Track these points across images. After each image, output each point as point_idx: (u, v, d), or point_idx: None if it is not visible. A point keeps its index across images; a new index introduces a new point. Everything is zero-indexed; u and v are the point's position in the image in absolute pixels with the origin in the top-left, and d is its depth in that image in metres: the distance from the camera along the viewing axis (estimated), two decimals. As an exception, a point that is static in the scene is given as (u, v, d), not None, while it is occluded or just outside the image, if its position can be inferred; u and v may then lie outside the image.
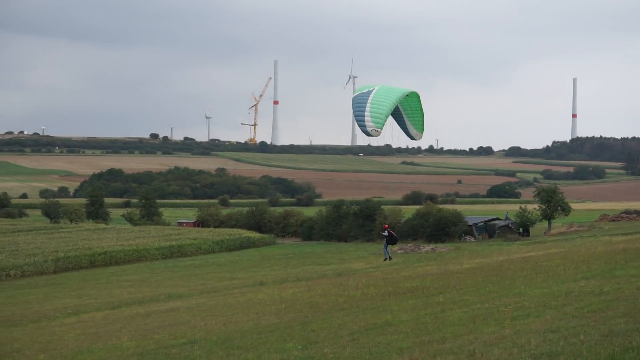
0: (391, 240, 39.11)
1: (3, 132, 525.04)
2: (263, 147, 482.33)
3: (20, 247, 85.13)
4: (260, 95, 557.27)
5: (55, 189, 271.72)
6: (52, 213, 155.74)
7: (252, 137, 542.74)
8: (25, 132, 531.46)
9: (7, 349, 28.81)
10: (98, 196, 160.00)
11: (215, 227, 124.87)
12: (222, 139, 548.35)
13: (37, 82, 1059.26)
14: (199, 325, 28.04)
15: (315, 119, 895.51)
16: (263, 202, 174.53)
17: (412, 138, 38.00)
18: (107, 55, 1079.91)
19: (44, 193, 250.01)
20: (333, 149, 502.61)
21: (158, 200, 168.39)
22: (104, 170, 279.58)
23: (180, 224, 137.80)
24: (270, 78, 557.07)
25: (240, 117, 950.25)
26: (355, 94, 35.43)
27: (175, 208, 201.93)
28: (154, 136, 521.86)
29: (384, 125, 34.19)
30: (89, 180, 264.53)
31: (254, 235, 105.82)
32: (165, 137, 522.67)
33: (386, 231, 38.85)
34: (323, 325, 23.59)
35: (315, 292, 35.58)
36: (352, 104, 34.88)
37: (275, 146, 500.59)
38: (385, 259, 39.19)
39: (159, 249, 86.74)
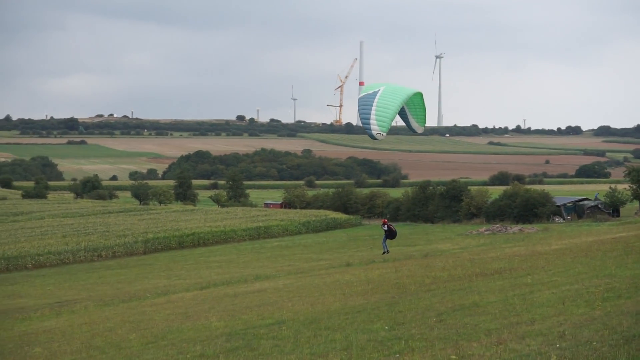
0: (390, 235, 39.23)
1: (93, 115, 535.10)
2: (349, 128, 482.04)
3: (110, 229, 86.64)
4: (346, 77, 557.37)
5: (144, 171, 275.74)
6: (142, 195, 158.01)
7: (338, 119, 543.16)
8: (115, 115, 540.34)
9: (100, 328, 29.40)
10: (186, 178, 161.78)
11: (301, 208, 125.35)
12: (308, 120, 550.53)
13: (127, 66, 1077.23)
14: (286, 306, 28.21)
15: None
16: (349, 184, 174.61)
17: (414, 132, 37.95)
18: (195, 38, 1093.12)
19: (133, 175, 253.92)
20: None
21: (245, 182, 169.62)
22: (192, 152, 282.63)
23: (266, 205, 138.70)
24: (356, 59, 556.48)
25: (326, 99, 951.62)
26: (361, 94, 35.18)
27: (261, 189, 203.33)
28: (241, 118, 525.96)
29: (389, 128, 34.04)
30: (176, 162, 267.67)
31: (340, 216, 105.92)
32: (252, 119, 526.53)
33: (385, 226, 39.01)
34: (410, 306, 23.53)
35: (402, 273, 35.51)
36: (358, 105, 34.73)
37: (361, 127, 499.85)
38: (384, 253, 39.15)
39: (246, 230, 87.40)
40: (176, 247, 78.56)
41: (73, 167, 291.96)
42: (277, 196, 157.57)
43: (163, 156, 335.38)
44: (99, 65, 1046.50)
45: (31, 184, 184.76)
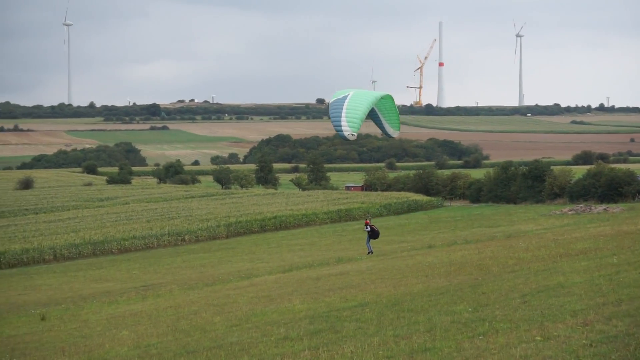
0: (373, 235, 39.38)
1: (175, 101, 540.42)
2: (429, 110, 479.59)
3: (193, 213, 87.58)
4: (425, 57, 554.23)
5: (226, 155, 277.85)
6: (223, 179, 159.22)
7: (418, 100, 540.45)
8: (196, 100, 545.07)
9: (185, 311, 29.78)
10: (267, 162, 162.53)
11: (382, 190, 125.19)
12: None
13: (207, 51, 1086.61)
14: (368, 288, 28.23)
15: (481, 80, 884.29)
16: (430, 165, 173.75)
17: (389, 136, 38.75)
18: (275, 22, 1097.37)
19: (214, 159, 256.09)
20: (500, 109, 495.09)
21: (325, 165, 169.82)
22: (272, 136, 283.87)
23: (347, 188, 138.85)
24: (435, 40, 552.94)
25: (406, 80, 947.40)
26: (332, 100, 36.03)
27: (342, 172, 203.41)
28: (320, 101, 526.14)
29: (359, 128, 34.92)
30: (257, 146, 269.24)
31: (422, 198, 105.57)
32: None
33: (368, 226, 39.15)
34: (493, 287, 23.37)
35: (485, 254, 35.26)
36: (329, 110, 35.78)
37: (441, 108, 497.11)
38: (369, 253, 39.30)
39: (328, 213, 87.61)
40: (258, 231, 79.13)
41: (156, 152, 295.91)
42: (358, 179, 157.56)
43: (244, 140, 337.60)
44: (180, 51, 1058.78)
45: (115, 169, 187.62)
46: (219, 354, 19.60)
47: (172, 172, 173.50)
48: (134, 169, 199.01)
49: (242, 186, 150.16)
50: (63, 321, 32.18)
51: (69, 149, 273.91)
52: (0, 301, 43.93)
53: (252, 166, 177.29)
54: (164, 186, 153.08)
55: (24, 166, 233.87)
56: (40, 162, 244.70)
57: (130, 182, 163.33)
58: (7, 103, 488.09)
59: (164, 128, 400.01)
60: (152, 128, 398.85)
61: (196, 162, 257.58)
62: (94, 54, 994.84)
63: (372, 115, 39.28)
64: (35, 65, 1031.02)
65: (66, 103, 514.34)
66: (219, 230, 76.87)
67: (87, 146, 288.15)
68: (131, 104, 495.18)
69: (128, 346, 22.78)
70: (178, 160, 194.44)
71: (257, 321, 24.11)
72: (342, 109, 34.65)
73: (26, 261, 64.51)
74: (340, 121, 34.25)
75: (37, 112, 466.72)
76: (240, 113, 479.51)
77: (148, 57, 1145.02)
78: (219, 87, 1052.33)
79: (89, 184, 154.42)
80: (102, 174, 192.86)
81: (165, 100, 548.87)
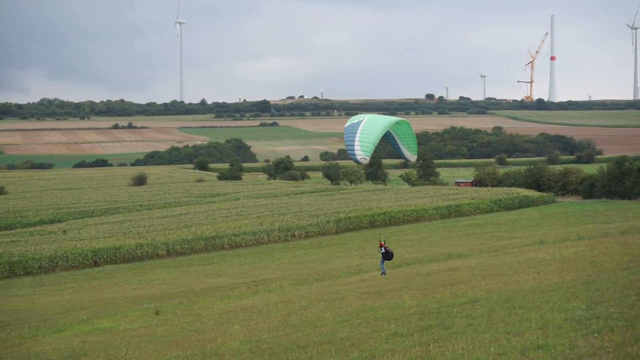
0: (387, 257, 38.98)
1: (285, 97, 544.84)
2: (540, 104, 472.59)
3: (303, 209, 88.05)
4: (537, 52, 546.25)
5: (335, 151, 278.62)
6: (333, 175, 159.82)
7: (529, 94, 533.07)
8: (306, 97, 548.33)
9: (295, 306, 29.98)
10: (376, 157, 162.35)
11: (492, 186, 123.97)
12: (497, 97, 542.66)
13: (317, 47, 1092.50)
14: (479, 285, 27.99)
15: (594, 74, 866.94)
16: (541, 160, 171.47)
17: (407, 160, 39.30)
18: (385, 18, 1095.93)
19: (324, 155, 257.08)
20: (614, 103, 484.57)
21: (435, 161, 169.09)
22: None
23: (457, 183, 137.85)
24: (547, 33, 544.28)
25: (516, 75, 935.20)
26: (347, 124, 36.91)
27: (452, 168, 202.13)
28: (430, 97, 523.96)
29: (372, 153, 35.91)
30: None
31: (533, 193, 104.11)
32: (441, 97, 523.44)
33: (382, 248, 38.71)
34: (608, 284, 22.90)
35: (598, 250, 34.58)
36: (344, 134, 36.74)
37: (552, 103, 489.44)
38: (382, 274, 38.97)
39: (437, 208, 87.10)
40: (368, 227, 79.13)
41: (266, 148, 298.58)
42: (468, 174, 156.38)
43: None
44: (291, 48, 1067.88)
45: (226, 166, 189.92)
46: (330, 349, 19.68)
47: (281, 168, 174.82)
48: (245, 165, 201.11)
49: (351, 182, 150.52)
50: (176, 315, 32.75)
51: (181, 145, 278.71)
52: (115, 295, 44.96)
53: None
54: (274, 182, 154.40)
55: (137, 163, 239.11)
56: (153, 158, 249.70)
57: (240, 178, 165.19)
58: (122, 101, 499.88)
59: (274, 124, 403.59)
60: (262, 124, 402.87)
61: (305, 158, 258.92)
62: (206, 52, 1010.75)
63: (389, 139, 40.95)
64: (149, 63, 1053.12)
65: (178, 100, 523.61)
66: (329, 226, 77.14)
67: (199, 143, 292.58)
68: (242, 100, 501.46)
69: (240, 341, 23.04)
70: (288, 157, 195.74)
71: (367, 317, 24.12)
72: (355, 133, 35.77)
73: (140, 256, 65.85)
74: (353, 146, 35.57)
75: (151, 110, 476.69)
76: (349, 109, 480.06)
77: (259, 54, 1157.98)
78: (328, 83, 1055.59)
79: (201, 180, 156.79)
80: (213, 170, 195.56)
81: (275, 96, 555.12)
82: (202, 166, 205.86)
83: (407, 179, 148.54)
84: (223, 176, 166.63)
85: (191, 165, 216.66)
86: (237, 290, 40.90)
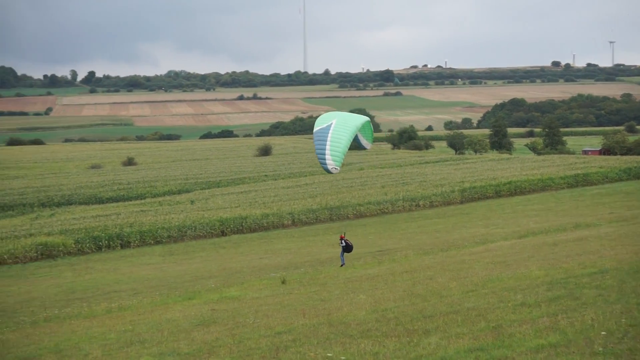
0: (347, 249, 38.52)
1: (408, 67, 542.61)
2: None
3: (427, 178, 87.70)
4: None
5: (459, 120, 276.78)
6: (457, 144, 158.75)
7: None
8: (429, 66, 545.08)
9: (420, 276, 29.97)
10: (501, 126, 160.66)
11: (621, 154, 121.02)
12: (627, 63, 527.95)
13: (441, 16, 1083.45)
14: (608, 255, 27.43)
15: None
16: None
17: (363, 148, 39.58)
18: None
19: (448, 125, 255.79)
20: None
21: (561, 129, 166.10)
22: (506, 101, 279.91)
23: (585, 152, 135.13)
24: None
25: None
26: (316, 128, 36.33)
27: (579, 136, 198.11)
28: (556, 64, 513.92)
29: (342, 161, 35.46)
30: (491, 110, 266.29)
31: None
32: (567, 65, 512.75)
33: (342, 241, 38.19)
34: None
35: None
36: (314, 139, 36.12)
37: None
38: (342, 265, 38.43)
39: (564, 178, 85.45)
40: (493, 196, 78.29)
41: (389, 118, 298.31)
42: (596, 143, 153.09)
43: (477, 105, 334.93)
44: (414, 17, 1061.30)
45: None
46: (456, 319, 19.64)
47: (405, 138, 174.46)
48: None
49: (475, 151, 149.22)
50: (302, 284, 33.13)
51: (305, 115, 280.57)
52: (242, 264, 45.74)
53: (486, 131, 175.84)
54: (398, 152, 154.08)
55: (262, 133, 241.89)
56: (277, 129, 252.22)
57: (364, 148, 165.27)
58: (247, 72, 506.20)
59: (397, 94, 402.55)
60: (385, 94, 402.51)
61: (429, 128, 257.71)
62: (329, 22, 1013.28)
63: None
64: (273, 34, 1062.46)
65: (302, 71, 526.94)
66: (453, 196, 76.62)
67: (323, 113, 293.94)
68: (365, 70, 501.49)
69: (366, 310, 23.18)
70: (411, 126, 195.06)
71: (493, 287, 23.96)
72: (326, 141, 35.38)
73: (266, 226, 66.69)
74: (324, 155, 35.20)
75: (275, 81, 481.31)
76: (474, 77, 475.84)
77: (383, 24, 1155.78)
78: (452, 51, 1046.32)
79: (364, 148, 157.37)
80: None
81: (398, 66, 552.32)
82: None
83: (533, 148, 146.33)
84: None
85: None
86: (362, 259, 41.12)
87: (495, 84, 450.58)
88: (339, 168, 35.36)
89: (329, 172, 35.54)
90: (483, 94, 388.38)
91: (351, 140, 35.98)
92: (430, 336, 18.32)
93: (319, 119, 37.43)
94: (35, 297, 40.29)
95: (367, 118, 38.43)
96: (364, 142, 38.62)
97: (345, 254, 39.53)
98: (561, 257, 28.92)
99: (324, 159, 35.03)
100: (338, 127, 35.64)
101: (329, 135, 35.26)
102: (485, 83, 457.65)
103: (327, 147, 34.98)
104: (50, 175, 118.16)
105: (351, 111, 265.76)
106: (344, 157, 35.45)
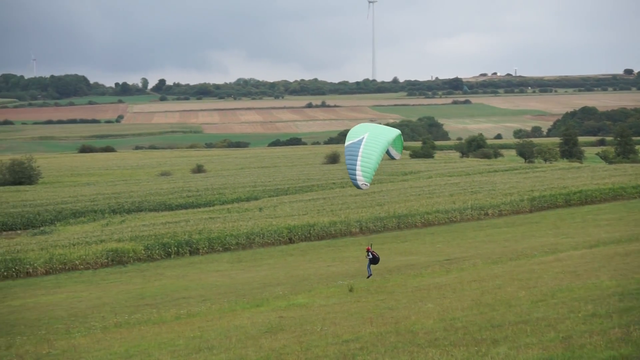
0: (373, 261, 37.92)
1: (477, 74, 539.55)
2: None
3: (497, 187, 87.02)
4: None
5: (529, 128, 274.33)
6: (526, 153, 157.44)
7: None
8: (499, 74, 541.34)
9: (488, 285, 29.72)
10: (572, 135, 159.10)
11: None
12: None
13: (511, 24, 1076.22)
14: (684, 266, 26.96)
15: None
16: None
17: (392, 158, 39.78)
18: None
19: (517, 133, 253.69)
20: None
21: (633, 138, 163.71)
22: (577, 109, 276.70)
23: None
24: None
25: None
26: (347, 142, 36.20)
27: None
28: (628, 72, 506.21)
29: (372, 177, 35.38)
30: (561, 119, 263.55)
31: None
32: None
33: (369, 253, 37.51)
34: None
35: None
36: (345, 153, 35.96)
37: None
38: (368, 276, 37.80)
39: (636, 187, 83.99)
40: (563, 205, 77.38)
41: (458, 126, 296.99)
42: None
43: (547, 113, 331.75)
44: (485, 24, 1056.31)
45: (418, 144, 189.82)
46: (525, 329, 19.46)
47: (474, 146, 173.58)
48: (437, 143, 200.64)
49: (545, 160, 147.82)
50: (370, 292, 33.09)
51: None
52: (310, 272, 45.85)
53: (556, 139, 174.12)
54: (467, 160, 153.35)
55: (330, 141, 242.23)
56: (345, 137, 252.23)
57: (433, 156, 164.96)
58: (315, 80, 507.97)
59: (466, 102, 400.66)
60: (454, 102, 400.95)
61: (499, 136, 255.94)
62: (398, 30, 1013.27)
63: None
64: (341, 42, 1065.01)
65: (370, 79, 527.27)
66: (523, 205, 75.87)
67: (391, 121, 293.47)
68: (434, 78, 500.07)
69: (434, 319, 23.07)
70: (480, 134, 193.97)
71: (563, 297, 23.68)
72: (357, 157, 35.22)
73: (334, 233, 66.66)
74: (355, 172, 35.09)
75: (343, 89, 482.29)
76: (544, 86, 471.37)
77: (453, 31, 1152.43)
78: (521, 60, 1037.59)
79: (393, 159, 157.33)
80: (405, 148, 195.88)
81: (467, 74, 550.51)
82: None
83: (604, 157, 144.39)
84: (415, 154, 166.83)
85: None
86: (430, 268, 40.94)
87: (566, 92, 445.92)
88: (368, 184, 35.38)
89: (358, 187, 35.57)
90: (553, 102, 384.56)
91: (382, 155, 35.93)
92: (498, 346, 18.17)
93: (350, 132, 37.44)
94: (105, 302, 40.84)
95: (398, 132, 38.26)
96: (394, 152, 38.73)
97: (372, 265, 39.56)
98: (633, 268, 28.49)
99: (355, 175, 35.04)
100: (369, 142, 35.59)
101: (360, 150, 35.24)
102: (555, 91, 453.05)
103: (358, 162, 34.98)
104: (121, 182, 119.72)
105: (419, 119, 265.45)
106: (374, 173, 35.36)
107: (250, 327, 26.50)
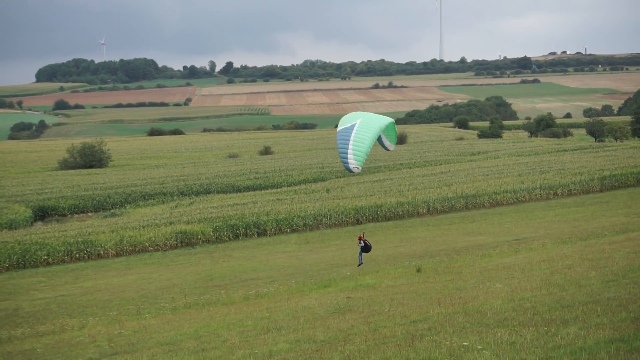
0: (365, 249, 36.89)
1: (546, 53, 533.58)
2: None
3: (566, 166, 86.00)
4: None
5: (599, 107, 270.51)
6: (597, 132, 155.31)
7: None
8: (568, 52, 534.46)
9: (558, 265, 29.36)
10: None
11: None
12: None
13: (582, 1, 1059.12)
14: None
15: None
16: None
17: (386, 149, 38.55)
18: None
19: (587, 112, 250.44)
20: None
21: None
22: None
23: None
24: None
25: None
26: (340, 128, 36.01)
27: None
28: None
29: (364, 161, 35.16)
30: (633, 97, 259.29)
31: None
32: None
33: (361, 241, 36.52)
34: None
35: None
36: (337, 138, 35.79)
37: None
38: (359, 264, 36.86)
39: None
40: (634, 185, 76.22)
41: (526, 105, 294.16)
42: None
43: (618, 91, 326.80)
44: (553, 3, 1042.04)
45: (486, 124, 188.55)
46: (595, 309, 19.20)
47: (543, 126, 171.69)
48: (505, 122, 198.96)
49: (616, 139, 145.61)
50: (437, 273, 32.93)
51: (440, 104, 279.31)
52: (378, 253, 45.79)
53: (628, 118, 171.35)
54: (535, 140, 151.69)
55: (397, 122, 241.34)
56: (413, 117, 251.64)
57: (501, 136, 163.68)
58: (382, 61, 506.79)
59: (535, 81, 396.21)
60: (522, 81, 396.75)
61: (568, 115, 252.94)
62: (466, 9, 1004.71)
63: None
64: (409, 22, 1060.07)
65: (438, 59, 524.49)
66: (593, 184, 74.92)
67: (458, 101, 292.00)
68: (502, 57, 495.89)
69: (502, 299, 22.88)
70: (549, 114, 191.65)
71: (634, 277, 23.31)
72: (349, 141, 35.06)
73: (401, 214, 66.51)
74: (347, 154, 34.78)
75: (410, 69, 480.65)
76: (615, 63, 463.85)
77: (521, 10, 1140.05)
78: (592, 37, 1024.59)
79: (461, 139, 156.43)
80: (473, 128, 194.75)
81: (536, 53, 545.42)
82: (462, 124, 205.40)
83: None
84: (483, 134, 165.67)
85: (451, 124, 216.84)
86: (499, 248, 40.64)
87: (637, 69, 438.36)
88: (360, 167, 35.40)
89: (350, 171, 35.60)
90: (624, 80, 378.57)
91: (374, 141, 35.90)
92: (568, 326, 17.96)
93: (343, 118, 37.51)
94: (175, 284, 41.28)
95: (391, 119, 38.09)
96: (387, 143, 38.48)
97: (363, 253, 39.38)
98: None
99: (346, 158, 35.07)
100: (361, 127, 35.65)
101: (352, 134, 35.27)
102: (627, 69, 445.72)
103: (350, 146, 34.99)
104: (189, 165, 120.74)
105: (487, 99, 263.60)
106: (366, 157, 35.35)
107: (317, 308, 26.55)
